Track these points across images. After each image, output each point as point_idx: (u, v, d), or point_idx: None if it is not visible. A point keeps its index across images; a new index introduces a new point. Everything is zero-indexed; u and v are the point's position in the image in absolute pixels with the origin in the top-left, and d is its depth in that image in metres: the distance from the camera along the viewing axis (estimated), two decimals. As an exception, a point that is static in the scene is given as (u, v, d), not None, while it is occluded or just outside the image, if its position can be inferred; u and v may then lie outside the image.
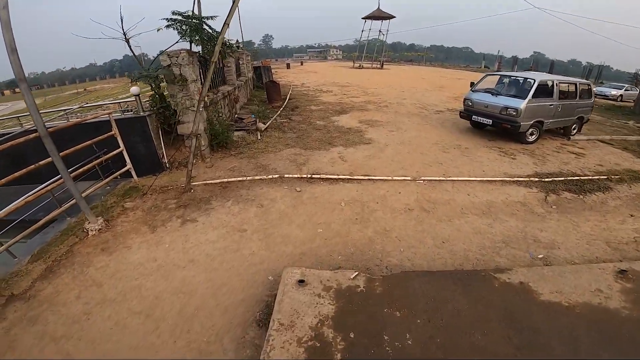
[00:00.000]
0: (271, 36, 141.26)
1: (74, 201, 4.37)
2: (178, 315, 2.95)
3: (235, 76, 11.73)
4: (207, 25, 6.51)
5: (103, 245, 3.95)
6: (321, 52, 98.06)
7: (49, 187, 4.16)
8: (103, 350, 2.63)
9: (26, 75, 3.41)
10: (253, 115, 9.93)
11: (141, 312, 2.98)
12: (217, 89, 9.05)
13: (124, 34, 5.73)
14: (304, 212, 4.69)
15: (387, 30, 37.47)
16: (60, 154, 3.80)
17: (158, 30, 6.00)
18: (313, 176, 5.66)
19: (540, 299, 2.84)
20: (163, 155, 6.11)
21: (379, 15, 35.58)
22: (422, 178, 5.79)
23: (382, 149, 7.51)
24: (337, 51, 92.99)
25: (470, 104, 8.39)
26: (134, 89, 5.64)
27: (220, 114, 8.02)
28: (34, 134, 3.59)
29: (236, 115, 10.15)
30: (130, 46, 5.85)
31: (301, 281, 3.04)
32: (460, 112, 8.88)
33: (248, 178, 5.60)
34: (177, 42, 6.25)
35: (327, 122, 10.04)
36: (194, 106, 6.10)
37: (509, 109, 7.38)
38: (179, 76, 5.98)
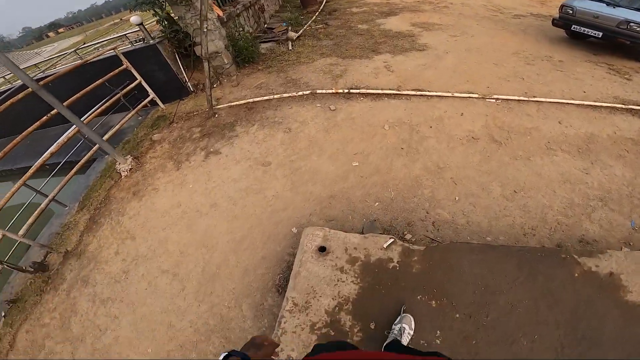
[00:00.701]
0: None
1: (106, 137, 4.30)
2: (201, 274, 2.89)
3: (259, -18, 9.54)
4: None
5: (134, 188, 3.92)
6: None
7: (74, 131, 4.01)
8: (141, 314, 2.75)
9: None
10: (285, 24, 8.33)
11: (169, 271, 2.98)
12: (237, 0, 7.50)
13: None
14: (338, 138, 3.94)
15: None
16: (65, 103, 3.49)
17: None
18: (351, 91, 4.60)
19: (626, 299, 2.00)
20: (186, 79, 5.51)
21: None
22: (495, 96, 4.28)
23: (441, 57, 5.71)
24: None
25: (571, 12, 6.15)
26: (134, 19, 4.87)
27: (244, 27, 6.83)
28: (27, 90, 3.19)
29: (265, 26, 8.59)
30: None
31: (322, 248, 2.61)
32: (554, 19, 6.57)
33: (275, 96, 4.80)
34: None
35: (371, 25, 7.95)
36: (206, 25, 5.09)
37: (631, 24, 5.43)
38: None
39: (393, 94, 4.51)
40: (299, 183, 3.47)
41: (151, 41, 5.19)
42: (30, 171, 3.39)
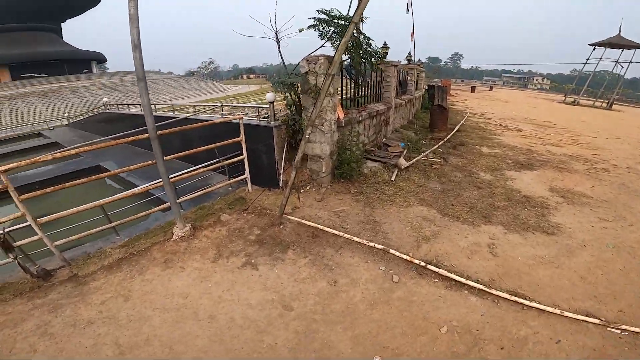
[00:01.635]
0: (461, 55, 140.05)
1: (198, 194, 5.35)
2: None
3: (395, 93, 10.41)
4: (356, 28, 5.78)
5: (170, 255, 4.46)
6: (520, 79, 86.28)
7: (160, 184, 4.84)
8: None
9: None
10: (402, 145, 8.80)
11: (121, 347, 3.17)
12: (365, 106, 8.34)
13: (276, 33, 5.84)
14: (379, 319, 3.59)
15: (630, 62, 27.66)
16: (166, 157, 4.42)
17: (300, 30, 5.74)
18: (428, 266, 4.27)
19: None
20: (280, 172, 6.29)
21: (618, 43, 26.83)
22: (624, 326, 3.32)
23: (573, 250, 4.70)
24: (542, 80, 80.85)
25: None
26: (269, 96, 5.85)
27: (359, 136, 7.42)
28: (146, 135, 4.22)
29: (383, 139, 9.23)
30: (279, 47, 5.96)
31: None
32: None
33: (345, 236, 4.90)
34: (321, 46, 5.92)
35: (497, 177, 7.50)
36: (322, 124, 5.80)
37: None
38: (313, 86, 5.69)
39: (478, 288, 3.92)
40: (303, 347, 3.27)
41: (272, 122, 6.09)
42: (106, 200, 4.35)
